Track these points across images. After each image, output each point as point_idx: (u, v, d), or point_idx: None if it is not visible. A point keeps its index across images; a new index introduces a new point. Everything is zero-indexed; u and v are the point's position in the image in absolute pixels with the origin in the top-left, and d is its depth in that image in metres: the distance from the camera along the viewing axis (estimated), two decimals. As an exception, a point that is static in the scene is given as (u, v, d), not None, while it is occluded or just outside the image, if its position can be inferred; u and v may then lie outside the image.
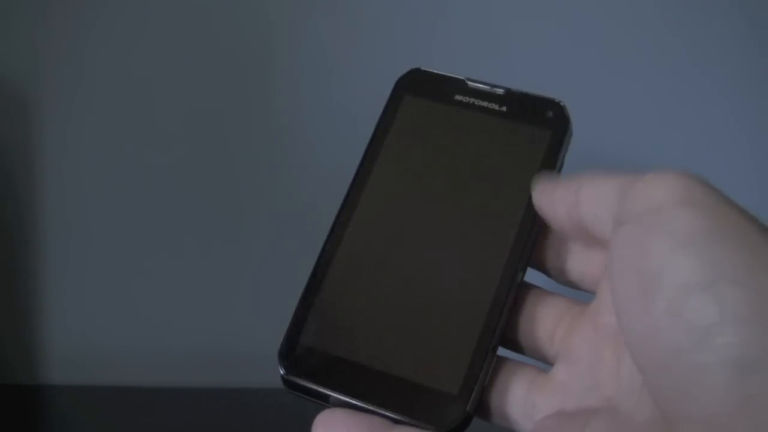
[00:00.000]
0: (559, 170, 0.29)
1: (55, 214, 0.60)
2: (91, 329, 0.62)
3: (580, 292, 0.28)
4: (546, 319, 0.28)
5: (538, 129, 0.30)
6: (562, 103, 0.30)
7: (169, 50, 0.58)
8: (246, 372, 0.61)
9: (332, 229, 0.29)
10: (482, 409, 0.27)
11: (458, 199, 0.29)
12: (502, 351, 0.28)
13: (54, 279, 0.62)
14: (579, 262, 0.28)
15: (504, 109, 0.30)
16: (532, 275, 0.29)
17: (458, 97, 0.31)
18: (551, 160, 0.29)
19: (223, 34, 0.58)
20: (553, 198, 0.27)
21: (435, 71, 0.32)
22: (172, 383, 0.62)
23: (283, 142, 0.59)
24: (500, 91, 0.30)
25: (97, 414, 0.61)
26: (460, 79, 0.31)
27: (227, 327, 0.63)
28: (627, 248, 0.23)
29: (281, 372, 0.27)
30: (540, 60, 0.57)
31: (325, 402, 0.27)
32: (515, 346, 0.28)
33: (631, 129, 0.59)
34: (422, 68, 0.32)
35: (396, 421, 0.25)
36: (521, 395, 0.27)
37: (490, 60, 0.56)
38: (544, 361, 0.28)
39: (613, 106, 0.58)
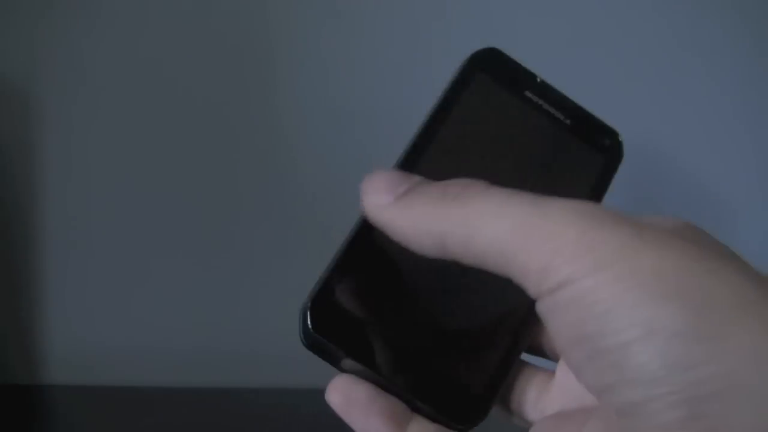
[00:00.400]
0: (602, 198, 0.30)
1: (55, 215, 0.60)
2: (91, 329, 0.62)
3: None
4: None
5: (596, 153, 0.30)
6: (620, 138, 0.30)
7: (169, 50, 0.58)
8: (246, 372, 0.61)
9: None
10: (503, 410, 0.27)
11: None
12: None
13: (54, 279, 0.62)
14: None
15: (568, 122, 0.30)
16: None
17: (529, 93, 0.30)
18: (600, 189, 0.29)
19: (224, 33, 0.58)
20: (415, 217, 0.24)
21: (510, 56, 0.31)
22: (172, 383, 0.62)
23: (284, 143, 0.59)
24: (569, 103, 0.31)
25: (97, 414, 0.61)
26: (533, 75, 0.31)
27: (227, 327, 0.63)
28: (560, 318, 0.22)
29: (308, 324, 0.25)
30: (541, 58, 0.57)
31: (338, 366, 0.25)
32: (538, 351, 0.28)
33: (631, 127, 0.59)
34: (499, 49, 0.31)
35: (414, 407, 0.25)
36: (534, 398, 0.27)
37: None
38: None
39: (614, 104, 0.58)
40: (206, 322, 0.63)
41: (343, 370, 0.25)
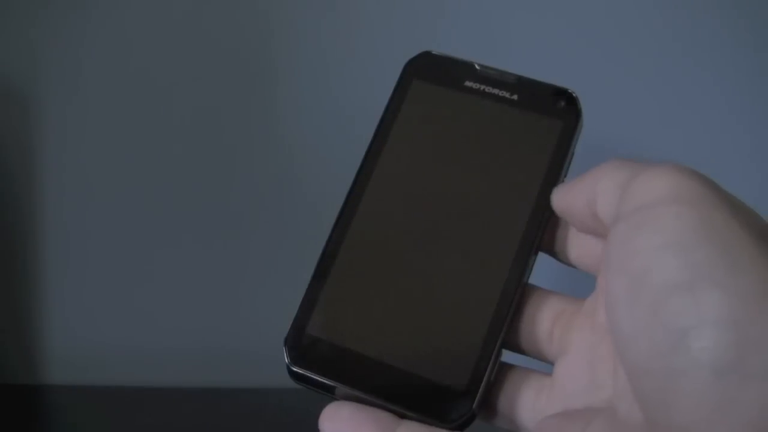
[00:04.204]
0: (570, 161, 0.29)
1: (55, 214, 0.60)
2: (91, 329, 0.62)
3: (576, 289, 0.28)
4: (544, 319, 0.27)
5: (549, 118, 0.29)
6: (574, 94, 0.30)
7: (168, 49, 0.58)
8: (246, 372, 0.61)
9: (339, 218, 0.29)
10: (488, 411, 0.27)
11: (467, 190, 0.29)
12: (510, 357, 0.28)
13: (54, 279, 0.62)
14: (583, 247, 0.28)
15: (515, 97, 0.30)
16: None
17: (468, 83, 0.30)
18: (562, 151, 0.29)
19: (224, 33, 0.58)
20: (573, 193, 0.26)
21: (445, 54, 0.31)
22: (172, 383, 0.62)
23: (283, 139, 0.59)
24: (511, 78, 0.30)
25: (97, 414, 0.61)
26: (470, 64, 0.31)
27: (227, 327, 0.63)
28: (617, 246, 0.22)
29: (287, 362, 0.27)
30: (542, 57, 0.57)
31: (330, 393, 0.26)
32: (516, 348, 0.28)
33: (631, 126, 0.59)
34: (433, 51, 0.31)
35: (401, 415, 0.25)
36: (530, 400, 0.26)
37: (492, 56, 0.56)
38: (545, 361, 0.28)
39: (615, 102, 0.58)
40: (206, 322, 0.63)
41: (332, 396, 0.26)
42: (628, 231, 0.22)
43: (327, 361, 0.26)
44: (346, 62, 0.58)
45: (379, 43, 0.58)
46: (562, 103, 0.29)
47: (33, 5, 0.56)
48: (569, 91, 0.30)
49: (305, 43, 0.58)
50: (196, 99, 0.59)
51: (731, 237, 0.20)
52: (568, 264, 0.28)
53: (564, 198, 0.27)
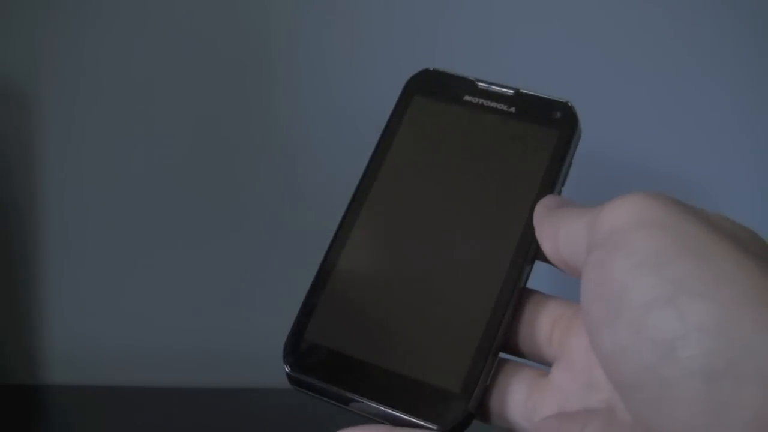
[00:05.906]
0: (567, 171, 0.30)
1: (54, 214, 0.60)
2: (91, 329, 0.62)
3: (573, 292, 0.28)
4: (543, 322, 0.28)
5: (547, 130, 0.30)
6: (570, 105, 0.30)
7: (169, 49, 0.58)
8: (246, 372, 0.61)
9: (339, 228, 0.29)
10: (482, 410, 0.27)
11: (466, 201, 0.29)
12: (502, 355, 0.28)
13: (54, 279, 0.62)
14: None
15: (513, 110, 0.30)
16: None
17: (468, 98, 0.31)
18: (559, 162, 0.29)
19: (224, 34, 0.58)
20: (541, 234, 0.27)
21: (445, 71, 0.32)
22: (172, 383, 0.62)
23: (284, 142, 0.59)
24: (509, 92, 0.31)
25: (97, 414, 0.61)
26: (469, 80, 0.31)
27: (227, 327, 0.63)
28: (592, 272, 0.23)
29: (286, 369, 0.27)
30: (542, 61, 0.57)
31: (330, 400, 0.27)
32: (515, 351, 0.28)
33: (632, 129, 0.59)
34: (432, 68, 0.32)
35: (397, 420, 0.25)
36: (522, 398, 0.27)
37: (492, 61, 0.56)
38: (545, 364, 0.28)
39: (615, 106, 0.58)
40: (206, 322, 0.63)
41: (331, 402, 0.27)
42: (602, 257, 0.22)
43: (326, 367, 0.27)
44: (349, 67, 0.58)
45: (381, 50, 0.58)
46: (560, 115, 0.30)
47: (33, 5, 0.56)
48: (567, 103, 0.30)
49: (307, 48, 0.58)
50: (195, 100, 0.59)
51: (709, 248, 0.21)
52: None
53: (539, 238, 0.27)
